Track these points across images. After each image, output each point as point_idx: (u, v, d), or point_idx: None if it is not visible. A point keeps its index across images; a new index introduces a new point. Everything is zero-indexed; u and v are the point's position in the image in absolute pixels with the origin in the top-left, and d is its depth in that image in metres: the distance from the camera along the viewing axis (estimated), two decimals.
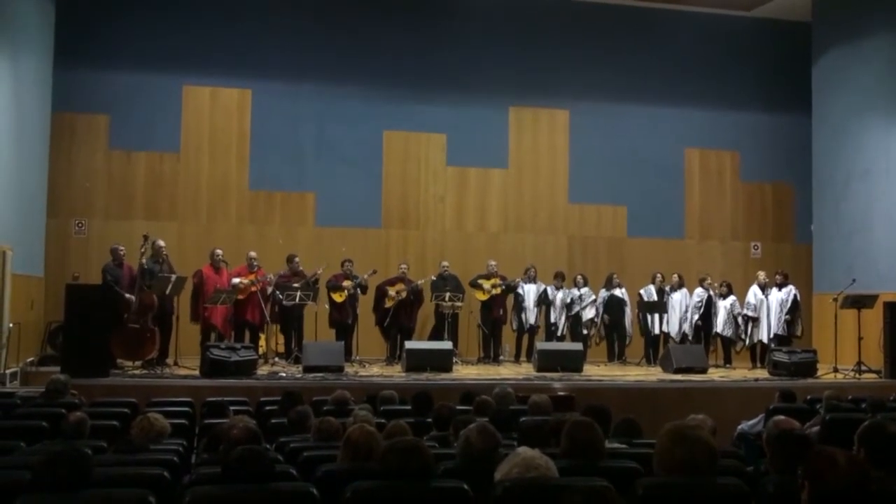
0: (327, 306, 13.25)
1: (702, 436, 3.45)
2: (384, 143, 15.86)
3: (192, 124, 15.27)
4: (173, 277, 11.47)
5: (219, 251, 12.58)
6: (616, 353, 14.41)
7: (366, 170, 15.66)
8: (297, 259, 13.17)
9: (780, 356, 12.52)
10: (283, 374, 11.21)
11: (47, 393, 7.66)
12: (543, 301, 14.25)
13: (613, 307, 14.41)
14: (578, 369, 12.27)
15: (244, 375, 10.61)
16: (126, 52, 14.81)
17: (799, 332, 13.97)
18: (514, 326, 14.26)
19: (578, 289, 14.34)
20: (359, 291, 13.30)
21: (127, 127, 14.83)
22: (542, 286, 14.29)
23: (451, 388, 10.16)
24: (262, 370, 11.51)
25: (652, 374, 12.58)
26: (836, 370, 12.57)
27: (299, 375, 11.11)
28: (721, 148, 16.98)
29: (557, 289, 14.33)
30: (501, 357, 14.12)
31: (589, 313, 14.34)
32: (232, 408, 7.27)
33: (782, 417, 5.46)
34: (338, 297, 13.22)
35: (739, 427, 8.04)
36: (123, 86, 14.81)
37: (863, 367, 12.48)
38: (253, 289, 12.40)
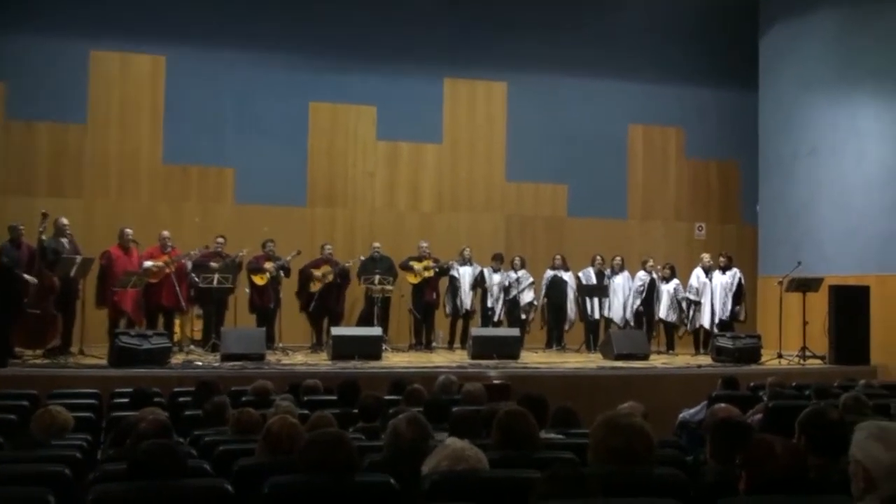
0: (247, 290, 13.13)
1: (636, 423, 3.51)
2: (310, 116, 15.72)
3: (100, 93, 14.92)
4: (78, 259, 11.24)
5: (129, 230, 12.37)
6: (555, 339, 14.56)
7: (290, 144, 15.50)
8: (220, 239, 13.06)
9: (724, 342, 12.80)
10: (199, 363, 11.10)
11: None
12: (479, 284, 14.30)
13: (556, 289, 14.54)
14: (515, 356, 12.38)
15: (156, 364, 10.49)
16: (26, 14, 14.39)
17: (743, 317, 14.29)
18: (448, 311, 14.29)
19: (516, 271, 14.43)
20: (282, 274, 13.20)
21: (27, 95, 14.42)
22: (479, 268, 14.35)
23: (380, 376, 10.19)
24: (177, 359, 11.38)
25: (592, 361, 12.76)
26: (780, 356, 12.91)
27: (216, 364, 11.02)
28: (666, 124, 17.22)
29: (495, 271, 14.40)
30: (434, 343, 14.16)
31: (527, 297, 14.45)
32: None
33: (722, 405, 5.59)
34: (259, 280, 13.11)
35: (681, 415, 8.17)
36: (23, 50, 14.39)
37: (807, 353, 12.82)
38: (167, 270, 12.22)
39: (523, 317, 14.42)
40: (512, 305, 14.35)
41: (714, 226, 17.36)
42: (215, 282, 12.35)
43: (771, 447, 3.21)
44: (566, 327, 14.72)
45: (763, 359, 12.71)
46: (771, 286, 14.18)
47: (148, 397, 7.07)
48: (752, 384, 9.16)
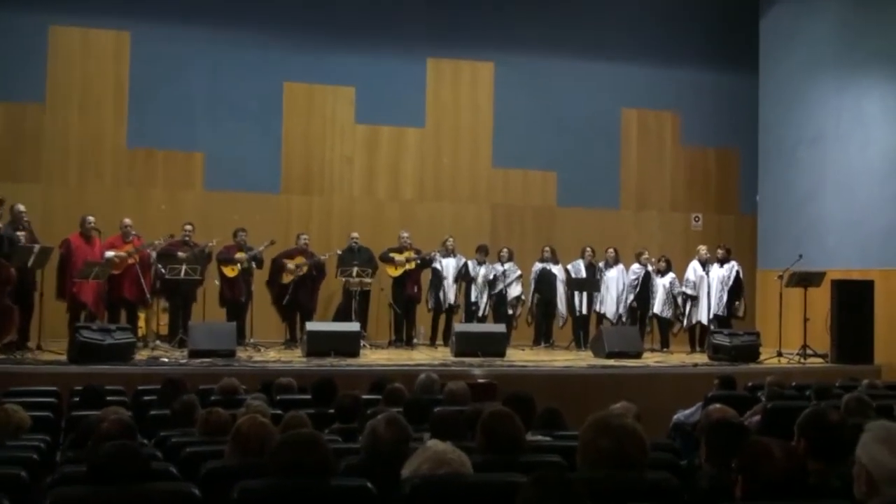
0: (217, 282, 13.09)
1: (628, 425, 3.52)
2: (284, 97, 15.67)
3: (60, 71, 14.82)
4: (36, 248, 11.18)
5: (90, 218, 12.30)
6: (544, 336, 14.58)
7: (263, 127, 15.46)
8: (188, 227, 13.00)
9: (721, 339, 12.86)
10: (166, 360, 11.08)
11: None
12: (463, 277, 14.31)
13: (545, 283, 14.56)
14: (501, 354, 12.40)
15: (120, 361, 10.45)
16: None
17: (741, 313, 14.36)
18: (430, 306, 14.31)
19: (502, 264, 14.44)
20: (253, 265, 13.17)
21: None
22: (463, 260, 14.36)
23: (359, 375, 10.23)
24: (142, 355, 11.35)
25: (582, 360, 12.80)
26: (780, 354, 12.98)
27: (184, 361, 11.00)
28: (661, 108, 17.24)
29: (480, 263, 14.41)
30: (415, 340, 14.18)
31: (514, 291, 14.47)
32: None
33: (718, 406, 5.62)
34: (229, 272, 13.07)
35: (675, 417, 8.24)
36: None
37: (808, 351, 12.90)
38: (130, 261, 12.17)
39: (510, 312, 14.44)
40: (498, 300, 14.37)
41: (711, 216, 17.42)
42: (183, 273, 12.30)
43: (768, 450, 3.24)
44: (560, 324, 14.75)
45: (762, 357, 12.78)
46: (770, 281, 14.25)
47: (100, 396, 7.06)
48: (749, 384, 9.22)
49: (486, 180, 16.54)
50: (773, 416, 6.30)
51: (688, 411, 8.09)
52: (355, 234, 14.01)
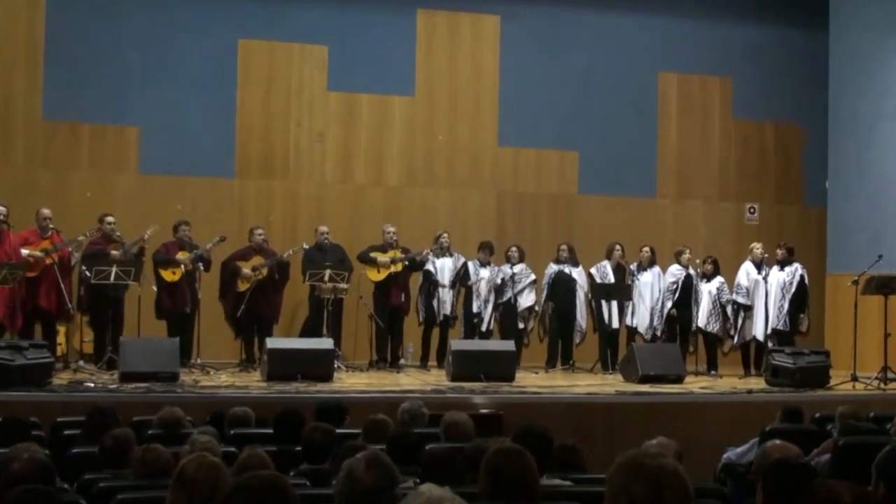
0: (155, 288, 13.09)
1: (668, 466, 3.52)
2: (239, 58, 15.69)
3: None
4: None
5: (1, 208, 12.28)
6: (561, 355, 14.60)
7: (213, 95, 15.49)
8: (110, 219, 12.96)
9: (782, 359, 12.85)
10: (91, 385, 11.09)
11: None
12: (462, 282, 14.34)
13: (562, 290, 14.58)
14: (509, 377, 12.42)
15: (34, 385, 10.46)
16: None
17: (805, 327, 14.38)
18: (421, 317, 14.34)
19: (511, 265, 14.44)
20: (200, 267, 13.17)
21: None
22: (462, 260, 14.38)
23: (332, 404, 10.20)
24: (61, 378, 11.37)
25: (609, 385, 12.82)
26: (854, 378, 12.98)
27: (114, 386, 11.01)
28: (708, 73, 17.26)
29: (483, 265, 14.43)
30: (402, 360, 14.22)
31: (527, 300, 14.48)
32: None
33: (777, 442, 5.63)
34: (169, 276, 13.08)
35: (725, 455, 8.27)
36: None
37: (890, 375, 12.91)
38: (47, 261, 12.16)
39: (521, 326, 14.45)
40: (506, 311, 14.37)
41: (769, 207, 17.45)
42: (113, 276, 12.28)
43: (839, 496, 3.25)
44: (576, 340, 14.75)
45: (832, 382, 12.80)
46: (843, 287, 14.26)
47: (24, 428, 7.05)
48: (817, 415, 9.23)
49: (491, 162, 16.56)
50: (845, 454, 6.32)
51: (741, 449, 8.12)
52: (324, 229, 14.00)
